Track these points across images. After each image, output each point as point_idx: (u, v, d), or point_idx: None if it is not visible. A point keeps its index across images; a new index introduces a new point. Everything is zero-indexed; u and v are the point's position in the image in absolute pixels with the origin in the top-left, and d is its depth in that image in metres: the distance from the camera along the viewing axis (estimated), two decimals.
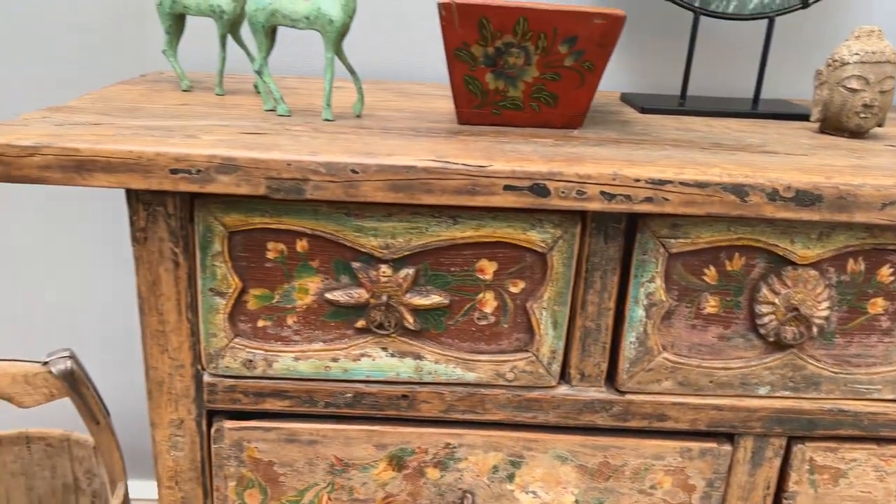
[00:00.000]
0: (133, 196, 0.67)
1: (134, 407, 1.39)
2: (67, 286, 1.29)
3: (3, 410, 1.37)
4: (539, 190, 0.64)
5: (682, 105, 0.95)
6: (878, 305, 0.73)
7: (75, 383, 1.01)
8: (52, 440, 1.20)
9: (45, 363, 1.01)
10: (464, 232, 0.69)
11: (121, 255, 1.27)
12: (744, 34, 1.14)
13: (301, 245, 0.69)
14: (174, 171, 0.62)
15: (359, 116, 0.79)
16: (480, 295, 0.72)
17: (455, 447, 0.77)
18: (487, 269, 0.71)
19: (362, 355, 0.73)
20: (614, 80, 1.16)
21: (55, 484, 1.23)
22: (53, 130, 0.65)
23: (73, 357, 1.02)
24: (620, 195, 0.65)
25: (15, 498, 1.23)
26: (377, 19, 1.13)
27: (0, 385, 0.97)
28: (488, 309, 0.72)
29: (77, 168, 0.62)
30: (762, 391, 0.75)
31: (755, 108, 0.95)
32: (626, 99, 0.99)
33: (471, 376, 0.74)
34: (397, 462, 0.77)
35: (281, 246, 0.69)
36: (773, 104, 0.99)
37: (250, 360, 0.72)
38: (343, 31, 0.73)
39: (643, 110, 0.92)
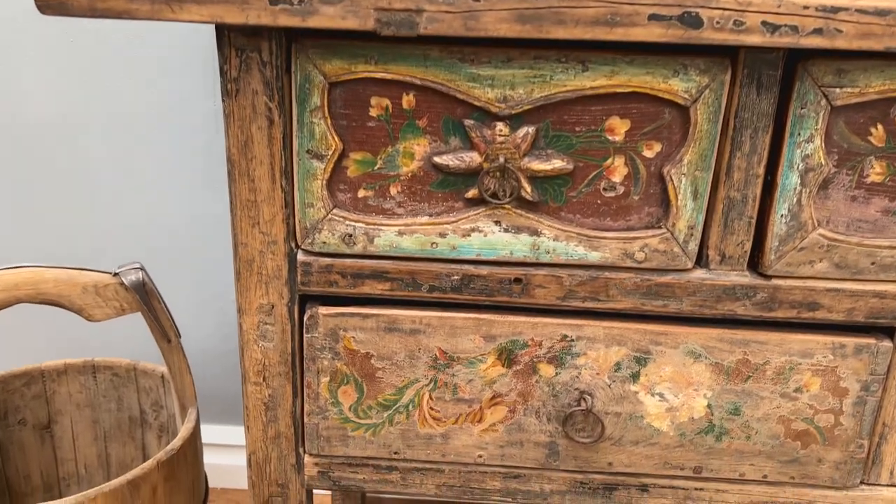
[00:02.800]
0: (226, 40, 0.60)
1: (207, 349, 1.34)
2: (143, 203, 1.24)
3: (71, 338, 1.33)
4: (690, 20, 0.55)
5: None
6: None
7: (146, 296, 0.96)
8: (118, 370, 1.16)
9: (116, 274, 0.96)
10: (594, 80, 0.60)
11: (203, 176, 1.22)
12: None
13: (407, 100, 0.62)
14: (273, 2, 0.55)
15: None
16: (609, 160, 0.63)
17: (573, 340, 0.68)
18: (618, 128, 0.62)
19: (473, 230, 0.65)
20: None
21: (121, 417, 1.19)
22: None
23: (143, 269, 0.96)
24: (785, 26, 0.55)
25: (80, 430, 1.18)
26: None
27: (69, 295, 0.93)
28: (617, 177, 0.64)
29: None
30: None
31: None
32: None
33: (594, 256, 0.66)
34: (507, 356, 0.69)
35: (385, 101, 0.62)
36: None
37: (350, 235, 0.65)
38: None
39: None
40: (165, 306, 0.98)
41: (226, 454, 1.38)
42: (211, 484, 1.38)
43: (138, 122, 1.21)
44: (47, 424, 1.17)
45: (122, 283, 0.95)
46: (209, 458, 1.36)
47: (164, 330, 0.98)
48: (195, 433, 1.00)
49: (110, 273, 0.96)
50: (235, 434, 1.41)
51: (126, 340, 1.33)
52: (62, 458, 1.20)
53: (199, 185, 1.24)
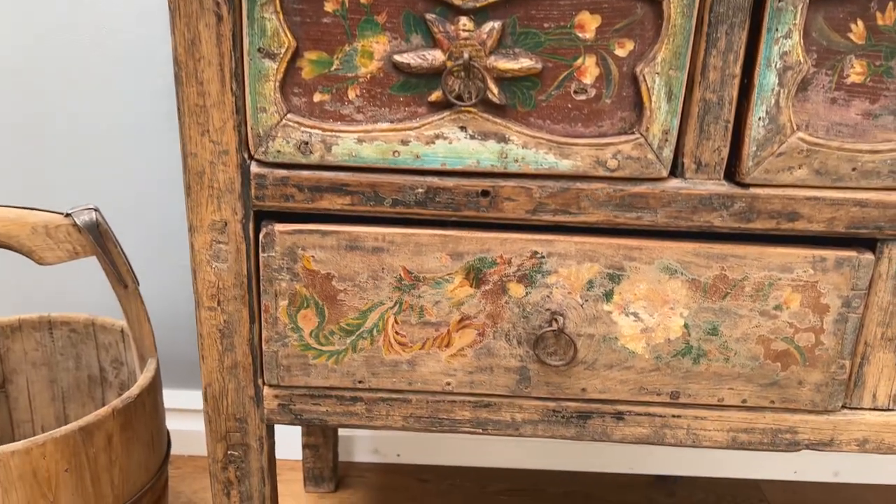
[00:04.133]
0: None
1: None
2: (100, 148, 1.19)
3: (25, 292, 1.28)
4: None
5: None
6: None
7: (101, 238, 0.91)
8: (76, 325, 1.11)
9: (68, 214, 0.91)
10: None
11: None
12: None
13: None
14: None
15: None
16: (579, 60, 0.60)
17: (543, 257, 0.65)
18: (589, 24, 0.59)
19: (437, 136, 0.62)
20: None
21: (79, 376, 1.14)
22: None
23: (97, 211, 0.92)
24: None
25: (36, 390, 1.13)
26: None
27: (18, 235, 0.88)
28: (588, 79, 0.61)
29: None
30: None
31: None
32: None
33: (565, 165, 0.62)
34: (475, 275, 0.66)
35: None
36: None
37: (306, 143, 0.62)
38: None
39: None
40: (121, 249, 0.93)
41: (192, 420, 1.34)
42: (177, 450, 1.34)
43: (96, 64, 1.16)
44: (1, 384, 1.12)
45: (74, 224, 0.90)
46: (175, 424, 1.32)
47: (121, 275, 0.94)
48: (155, 383, 0.96)
49: (62, 213, 0.91)
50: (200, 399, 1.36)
51: (83, 295, 1.28)
52: (18, 419, 1.15)
53: (163, 130, 1.19)
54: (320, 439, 1.23)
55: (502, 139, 0.61)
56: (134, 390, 0.90)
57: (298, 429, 1.25)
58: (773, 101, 0.60)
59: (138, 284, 0.97)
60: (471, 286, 0.66)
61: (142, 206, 1.23)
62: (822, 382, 0.69)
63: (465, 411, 0.71)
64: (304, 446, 1.24)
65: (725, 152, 0.62)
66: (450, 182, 0.63)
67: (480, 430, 0.71)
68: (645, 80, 0.60)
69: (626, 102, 0.61)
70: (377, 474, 1.32)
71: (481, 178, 0.63)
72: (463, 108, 0.60)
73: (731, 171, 0.64)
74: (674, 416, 0.70)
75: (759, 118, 0.61)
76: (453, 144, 0.62)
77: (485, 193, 0.63)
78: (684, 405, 0.70)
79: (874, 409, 0.70)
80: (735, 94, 0.61)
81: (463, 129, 0.61)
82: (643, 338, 0.67)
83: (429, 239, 0.64)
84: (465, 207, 0.64)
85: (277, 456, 1.31)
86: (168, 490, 1.05)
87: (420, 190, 0.63)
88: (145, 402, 0.92)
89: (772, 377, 0.69)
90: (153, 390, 0.95)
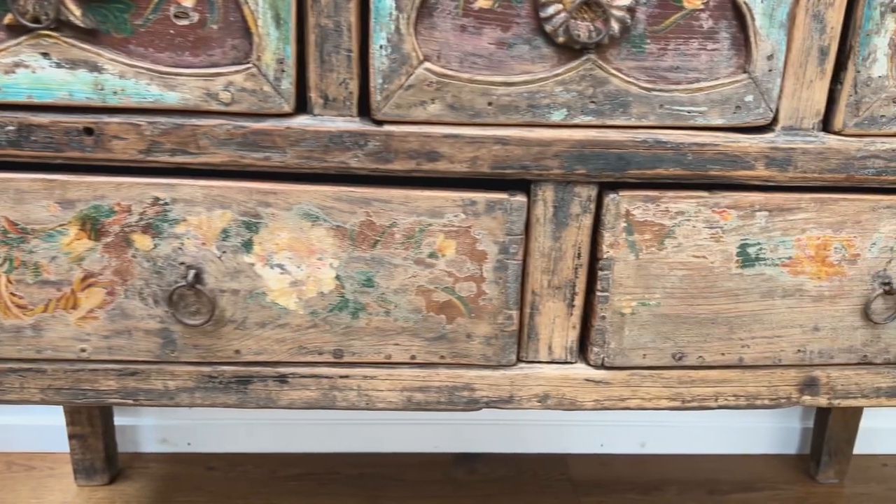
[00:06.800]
0: None
1: None
2: None
3: None
4: None
5: None
6: None
7: None
8: None
9: None
10: None
11: None
12: None
13: None
14: None
15: None
16: None
17: (167, 203, 0.59)
18: None
19: (17, 65, 0.54)
20: None
21: None
22: None
23: None
24: None
25: None
26: None
27: None
28: (188, 1, 0.55)
29: None
30: (557, 116, 0.59)
31: None
32: None
33: (172, 98, 0.56)
34: (93, 226, 0.59)
35: None
36: None
37: None
38: None
39: None
40: None
41: None
42: None
43: None
44: None
45: None
46: None
47: None
48: None
49: None
50: None
51: None
52: None
53: None
54: (87, 429, 1.14)
55: (95, 68, 0.55)
56: None
57: (63, 419, 1.16)
58: (393, 28, 0.56)
59: None
60: (89, 238, 0.59)
61: None
62: (491, 335, 0.65)
63: (109, 380, 0.64)
64: (70, 437, 1.15)
65: (354, 86, 0.58)
66: (45, 118, 0.56)
67: (132, 401, 0.65)
68: (247, 3, 0.54)
69: (235, 28, 0.55)
70: (163, 464, 1.24)
71: (83, 113, 0.56)
72: (42, 33, 0.54)
73: (368, 108, 0.59)
74: (341, 376, 0.65)
75: (381, 46, 0.56)
76: (38, 74, 0.55)
77: (88, 131, 0.56)
78: (350, 364, 0.65)
79: (552, 363, 0.67)
80: (353, 19, 0.56)
81: (46, 55, 0.54)
82: (294, 292, 0.62)
83: (30, 184, 0.57)
84: (67, 148, 0.57)
85: (45, 448, 1.22)
86: None
87: (11, 128, 0.56)
88: None
89: (438, 331, 0.64)
90: None
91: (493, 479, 1.23)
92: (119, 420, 1.23)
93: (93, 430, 1.15)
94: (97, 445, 1.16)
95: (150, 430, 1.26)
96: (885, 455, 1.34)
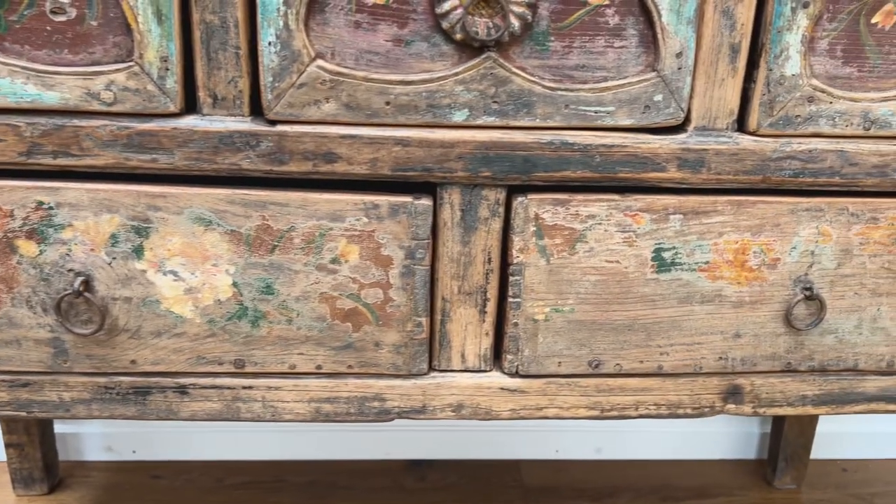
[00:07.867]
0: None
1: None
2: None
3: None
4: None
5: None
6: None
7: None
8: None
9: None
10: None
11: None
12: None
13: None
14: None
15: None
16: None
17: (52, 207, 0.57)
18: None
19: None
20: None
21: None
22: None
23: None
24: None
25: None
26: None
27: None
28: None
29: None
30: (458, 117, 0.57)
31: None
32: None
33: (51, 97, 0.54)
34: None
35: None
36: None
37: None
38: None
39: None
40: None
41: None
42: None
43: None
44: None
45: None
46: None
47: None
48: None
49: None
50: None
51: None
52: None
53: None
54: (24, 437, 1.11)
55: None
56: None
57: None
58: (281, 24, 0.53)
59: None
60: None
61: None
62: (400, 343, 0.62)
63: (1, 392, 0.62)
64: (7, 445, 1.12)
65: (244, 84, 0.55)
66: None
67: (25, 413, 0.62)
68: None
69: (116, 25, 0.53)
70: (106, 473, 1.21)
71: None
72: None
73: (261, 107, 0.57)
74: (244, 387, 0.63)
75: (270, 43, 0.54)
76: None
77: None
78: (253, 374, 0.63)
79: (465, 371, 0.65)
80: (240, 15, 0.53)
81: None
82: (189, 300, 0.60)
83: None
84: None
85: None
86: None
87: None
88: None
89: (345, 339, 0.62)
90: None
91: (443, 487, 1.21)
92: (62, 428, 1.20)
93: (30, 438, 1.12)
94: (35, 454, 1.13)
95: (94, 437, 1.23)
96: (845, 460, 1.32)
